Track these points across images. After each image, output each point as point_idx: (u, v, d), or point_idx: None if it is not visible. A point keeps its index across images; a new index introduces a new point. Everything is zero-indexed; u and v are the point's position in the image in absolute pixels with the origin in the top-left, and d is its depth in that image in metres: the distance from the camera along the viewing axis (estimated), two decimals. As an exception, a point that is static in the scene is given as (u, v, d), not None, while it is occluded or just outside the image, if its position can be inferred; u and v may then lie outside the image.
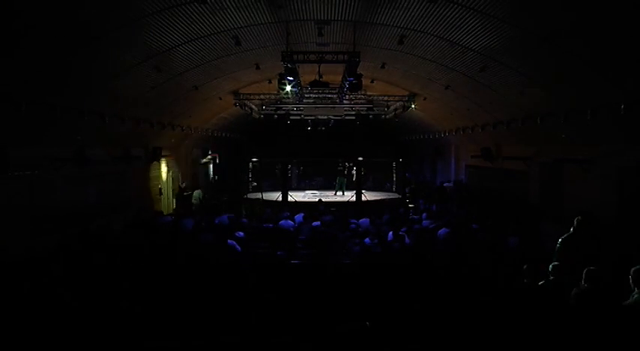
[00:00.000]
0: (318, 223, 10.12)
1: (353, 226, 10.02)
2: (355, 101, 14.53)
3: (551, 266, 5.02)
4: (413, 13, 7.24)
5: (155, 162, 13.34)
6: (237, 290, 5.19)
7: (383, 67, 10.73)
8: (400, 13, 7.35)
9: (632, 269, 4.21)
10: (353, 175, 18.32)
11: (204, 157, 18.73)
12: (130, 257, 6.76)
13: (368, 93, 13.77)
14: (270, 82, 12.68)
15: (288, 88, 9.52)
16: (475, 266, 6.31)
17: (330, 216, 11.43)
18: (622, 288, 4.38)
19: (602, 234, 6.49)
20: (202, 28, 7.55)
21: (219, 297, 4.89)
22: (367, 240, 8.30)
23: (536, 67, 7.89)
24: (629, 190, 7.74)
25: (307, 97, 13.16)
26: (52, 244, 7.41)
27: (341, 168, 18.87)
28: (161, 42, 7.56)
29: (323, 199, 14.31)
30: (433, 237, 8.90)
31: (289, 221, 10.37)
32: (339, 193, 18.21)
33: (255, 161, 18.74)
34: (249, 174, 19.32)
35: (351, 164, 18.91)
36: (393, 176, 19.68)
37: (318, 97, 13.52)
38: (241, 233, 8.63)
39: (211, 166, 19.99)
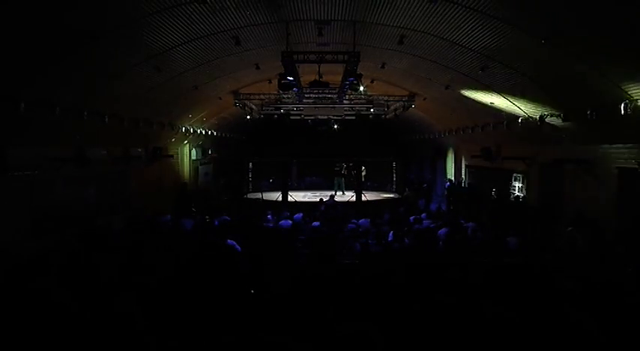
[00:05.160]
0: (318, 223, 10.12)
1: (353, 226, 10.01)
2: (355, 101, 14.52)
3: None
4: (413, 13, 7.24)
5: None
6: (237, 290, 5.18)
7: (383, 67, 10.73)
8: (400, 13, 7.35)
9: None
10: (353, 175, 18.40)
11: (205, 157, 18.71)
12: (129, 257, 6.75)
13: (368, 93, 13.77)
14: (270, 82, 12.66)
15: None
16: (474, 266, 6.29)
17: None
18: (622, 288, 4.38)
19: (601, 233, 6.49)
20: (202, 28, 7.55)
21: (219, 297, 4.88)
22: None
23: (536, 67, 7.88)
24: (629, 190, 7.74)
25: (307, 97, 13.14)
26: (52, 244, 7.41)
27: (338, 168, 19.02)
28: (161, 42, 7.56)
29: (324, 199, 14.33)
30: (433, 237, 8.89)
31: (288, 221, 10.40)
32: (339, 192, 18.30)
33: (255, 161, 18.74)
34: (249, 174, 19.34)
35: (350, 164, 18.97)
36: (393, 176, 19.70)
37: (318, 97, 13.50)
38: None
39: (211, 166, 19.97)
